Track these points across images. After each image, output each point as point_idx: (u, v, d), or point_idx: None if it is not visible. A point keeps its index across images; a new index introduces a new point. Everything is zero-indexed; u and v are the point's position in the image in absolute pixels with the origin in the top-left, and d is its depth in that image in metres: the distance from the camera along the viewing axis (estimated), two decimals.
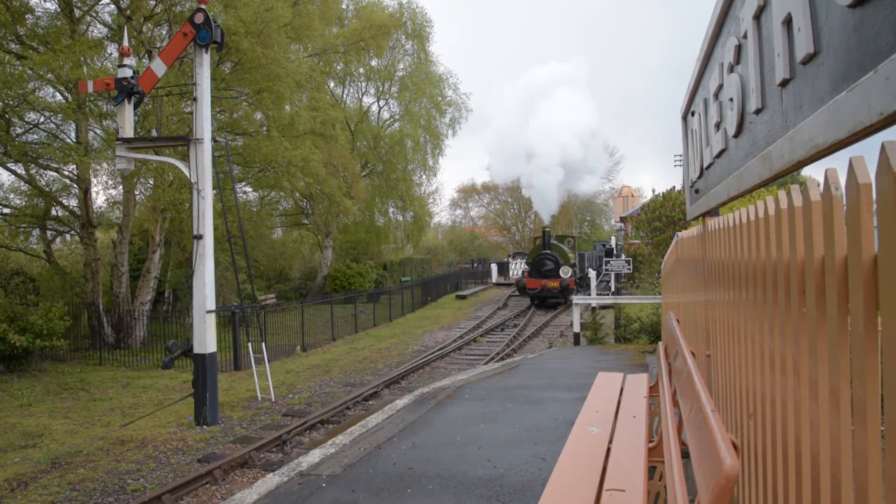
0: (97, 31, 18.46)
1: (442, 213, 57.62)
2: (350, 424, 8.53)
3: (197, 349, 9.66)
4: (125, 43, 10.11)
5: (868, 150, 1.33)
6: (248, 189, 25.69)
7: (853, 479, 1.37)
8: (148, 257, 18.77)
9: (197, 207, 9.66)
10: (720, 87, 2.58)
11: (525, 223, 57.86)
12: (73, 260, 21.27)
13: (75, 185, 18.11)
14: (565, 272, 26.66)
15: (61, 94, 16.97)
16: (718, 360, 3.44)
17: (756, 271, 2.27)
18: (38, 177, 18.26)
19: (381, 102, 34.79)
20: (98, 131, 18.47)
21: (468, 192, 58.67)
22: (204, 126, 9.72)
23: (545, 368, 10.40)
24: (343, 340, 19.88)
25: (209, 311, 9.69)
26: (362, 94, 34.85)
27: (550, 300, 27.42)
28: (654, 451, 3.29)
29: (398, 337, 20.25)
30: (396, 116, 34.66)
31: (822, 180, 1.59)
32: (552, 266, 27.01)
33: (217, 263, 11.67)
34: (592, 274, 24.48)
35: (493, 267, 41.90)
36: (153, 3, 17.28)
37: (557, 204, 33.38)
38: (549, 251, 27.45)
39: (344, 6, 30.61)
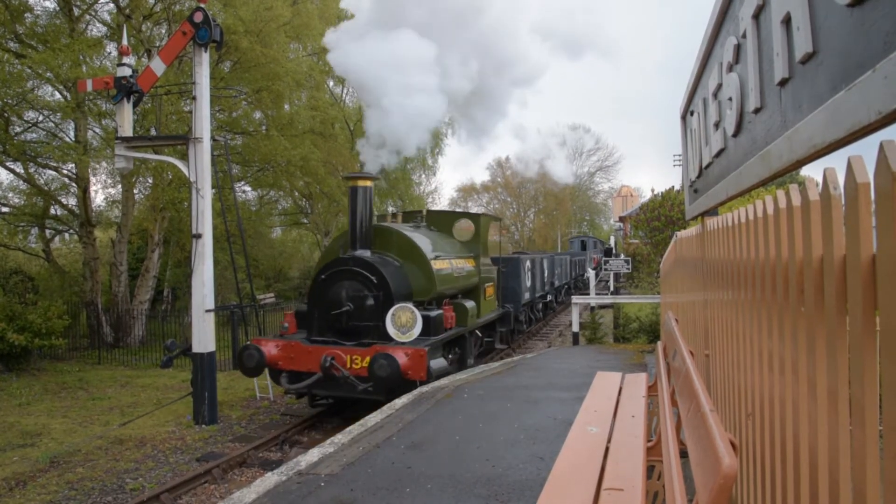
0: (96, 29, 18.46)
1: None
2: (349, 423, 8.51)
3: (196, 348, 9.66)
4: (124, 42, 10.12)
5: (866, 150, 1.33)
6: (248, 188, 25.67)
7: (851, 478, 1.38)
8: (147, 256, 18.75)
9: (196, 206, 9.66)
10: (719, 86, 2.58)
11: (524, 222, 57.89)
12: (72, 259, 21.28)
13: (74, 184, 18.10)
14: (405, 321, 8.81)
15: (60, 93, 16.94)
16: (717, 360, 3.44)
17: (755, 271, 2.27)
18: (36, 175, 18.25)
19: None
20: (97, 130, 18.47)
21: (467, 192, 58.77)
22: (203, 125, 9.71)
23: (544, 368, 10.39)
24: None
25: (208, 311, 9.69)
26: None
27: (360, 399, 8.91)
28: (653, 451, 3.29)
29: None
30: None
31: (820, 180, 1.59)
32: (372, 302, 9.14)
33: (216, 262, 11.64)
34: (591, 274, 20.66)
35: None
36: (152, 1, 17.27)
37: (413, 125, 11.05)
38: (365, 254, 9.58)
39: (343, 5, 30.53)
